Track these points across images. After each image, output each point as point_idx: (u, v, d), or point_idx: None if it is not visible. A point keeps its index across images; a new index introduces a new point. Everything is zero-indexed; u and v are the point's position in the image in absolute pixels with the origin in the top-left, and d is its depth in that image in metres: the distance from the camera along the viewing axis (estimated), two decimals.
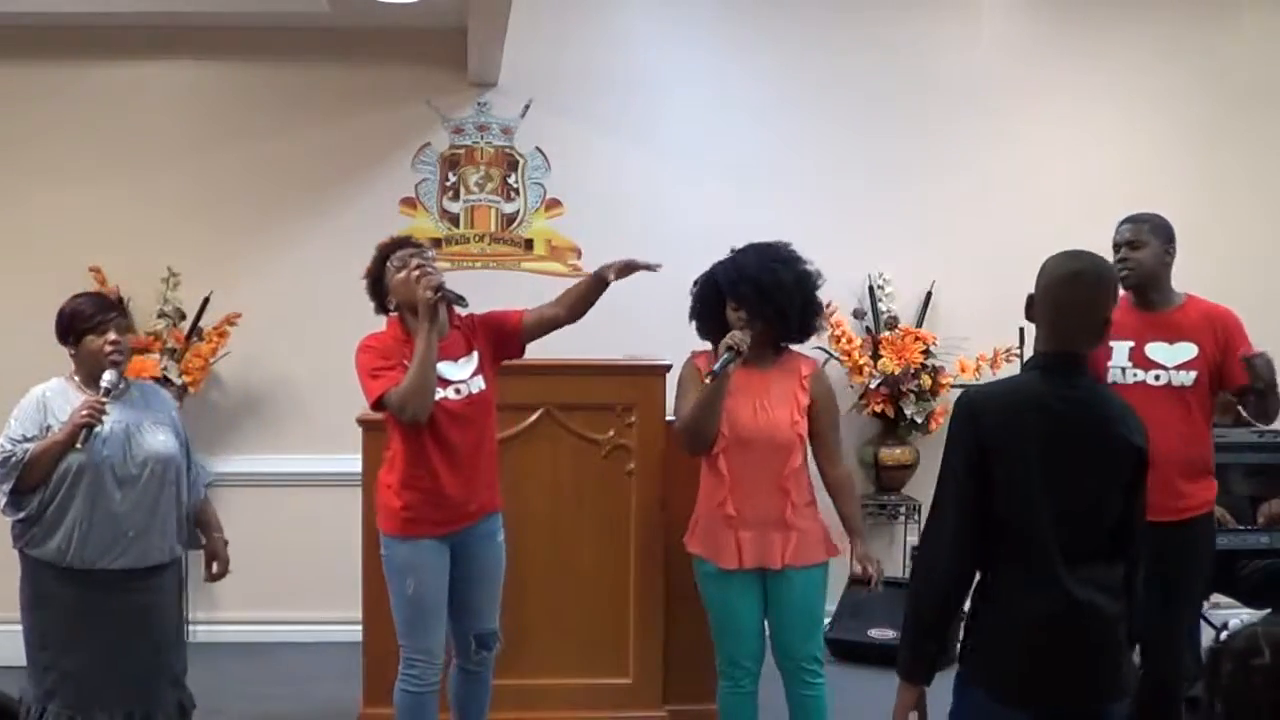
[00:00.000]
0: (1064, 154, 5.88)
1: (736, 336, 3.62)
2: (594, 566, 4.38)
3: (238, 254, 5.61)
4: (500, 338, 3.81)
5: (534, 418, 4.36)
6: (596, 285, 3.80)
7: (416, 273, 3.62)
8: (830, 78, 5.83)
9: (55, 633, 3.52)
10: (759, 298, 3.67)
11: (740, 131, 5.81)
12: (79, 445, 3.42)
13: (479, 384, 3.74)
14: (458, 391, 3.68)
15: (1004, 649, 2.63)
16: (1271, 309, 5.79)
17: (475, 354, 3.76)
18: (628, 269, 3.78)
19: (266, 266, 5.63)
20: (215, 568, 3.79)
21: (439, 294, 3.57)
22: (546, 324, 3.83)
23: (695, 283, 3.87)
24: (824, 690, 3.76)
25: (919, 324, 5.73)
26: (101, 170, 5.57)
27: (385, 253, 3.78)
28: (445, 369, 3.67)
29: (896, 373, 5.55)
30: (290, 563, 5.46)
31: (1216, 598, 4.71)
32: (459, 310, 3.69)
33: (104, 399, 3.46)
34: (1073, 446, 2.62)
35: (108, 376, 3.51)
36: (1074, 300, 2.67)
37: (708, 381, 3.60)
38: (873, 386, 5.58)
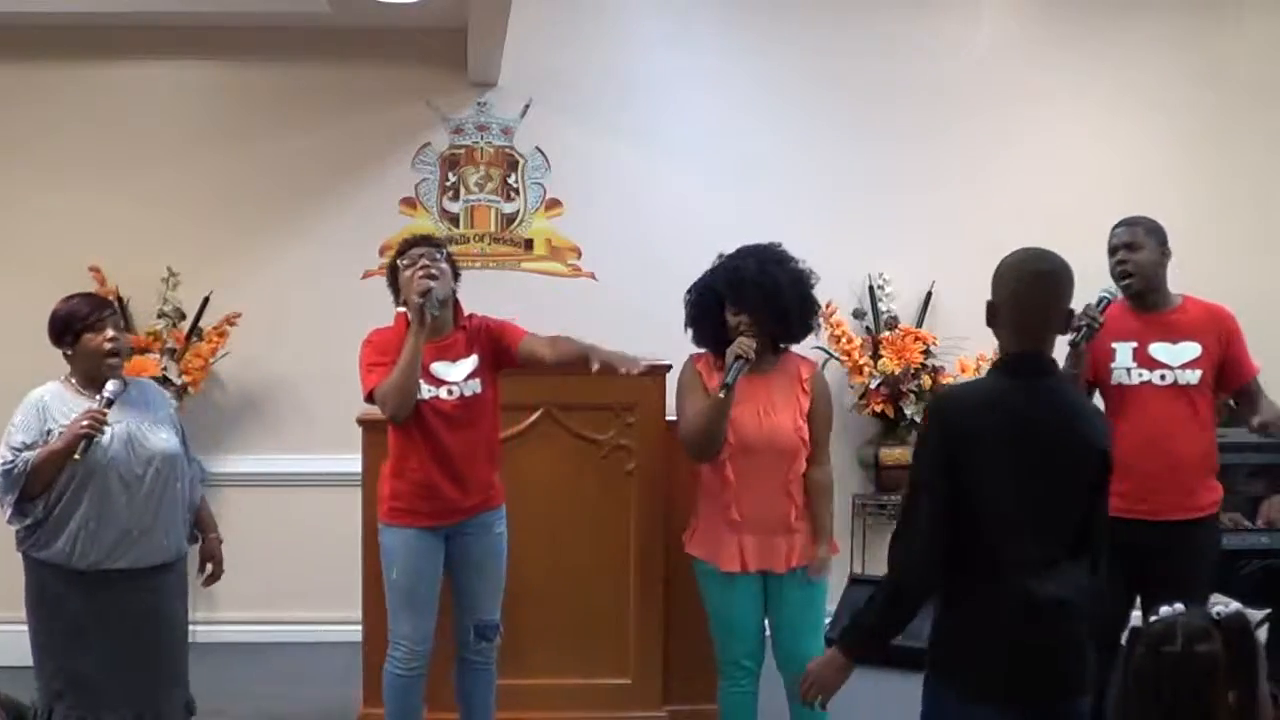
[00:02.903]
0: (1064, 153, 5.87)
1: (744, 344, 3.59)
2: (594, 566, 4.38)
3: (237, 254, 5.61)
4: (499, 348, 3.82)
5: (534, 418, 4.36)
6: (581, 363, 3.71)
7: (421, 272, 3.66)
8: (831, 78, 5.83)
9: (63, 636, 3.51)
10: (762, 301, 3.65)
11: (741, 131, 5.81)
12: (77, 456, 3.40)
13: (474, 386, 3.76)
14: (450, 392, 3.72)
15: (976, 648, 2.65)
16: (1272, 307, 5.80)
17: (475, 356, 3.78)
18: (608, 367, 3.63)
19: (266, 266, 5.63)
20: (210, 568, 3.80)
21: (424, 298, 3.60)
22: (535, 358, 3.79)
23: (689, 291, 3.84)
24: None
25: (919, 324, 5.73)
26: (101, 170, 5.57)
27: (402, 249, 3.82)
28: (440, 368, 3.72)
29: (896, 373, 5.55)
30: (290, 563, 5.46)
31: (1216, 597, 4.71)
32: (430, 315, 3.63)
33: (106, 409, 3.45)
34: (1038, 447, 2.64)
35: (110, 386, 3.49)
36: (1041, 300, 2.68)
37: (722, 395, 3.57)
38: (873, 386, 5.58)
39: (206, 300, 5.40)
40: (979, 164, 5.85)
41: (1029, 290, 2.68)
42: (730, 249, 3.90)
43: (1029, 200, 5.78)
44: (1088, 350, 3.85)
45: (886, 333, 5.69)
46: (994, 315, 2.74)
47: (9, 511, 3.50)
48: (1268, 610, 4.96)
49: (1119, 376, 3.86)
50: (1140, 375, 3.83)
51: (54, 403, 3.54)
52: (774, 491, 3.68)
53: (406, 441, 3.72)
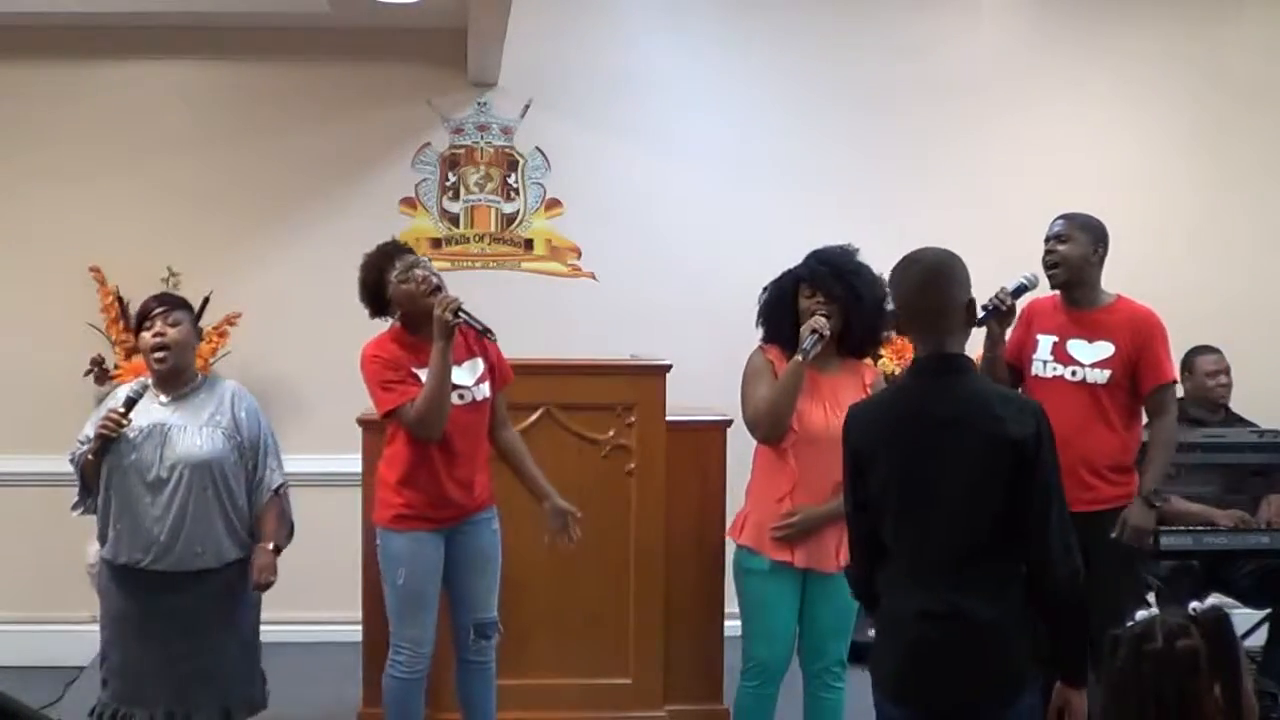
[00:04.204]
0: (1065, 152, 5.86)
1: (820, 321, 3.63)
2: (594, 566, 4.37)
3: (238, 254, 5.61)
4: (490, 367, 3.85)
5: (534, 418, 4.36)
6: (529, 488, 3.94)
7: (423, 286, 3.68)
8: (831, 76, 5.82)
9: (108, 625, 3.60)
10: (835, 278, 3.68)
11: (741, 130, 5.81)
12: (90, 457, 3.49)
13: (484, 391, 3.81)
14: (461, 397, 3.74)
15: (882, 648, 2.74)
16: (1272, 306, 5.81)
17: (479, 360, 3.81)
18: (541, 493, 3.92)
19: (267, 266, 5.63)
20: (256, 576, 3.62)
21: (458, 317, 3.61)
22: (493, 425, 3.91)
23: (765, 289, 3.83)
24: (843, 694, 3.76)
25: None
26: (101, 170, 5.57)
27: (380, 263, 3.81)
28: (453, 373, 3.72)
29: (897, 373, 5.54)
30: (290, 563, 5.42)
31: (1215, 598, 4.70)
32: (488, 339, 3.73)
33: (121, 410, 3.48)
34: (936, 449, 2.63)
35: (131, 387, 3.54)
36: (928, 302, 2.68)
37: (800, 358, 3.59)
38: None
39: (206, 300, 5.37)
40: (979, 163, 5.84)
41: (914, 293, 2.70)
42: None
43: (1029, 198, 5.77)
44: (1003, 334, 3.92)
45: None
46: (897, 324, 2.80)
47: (75, 499, 3.62)
48: (1268, 610, 4.99)
49: (1036, 368, 3.96)
50: (1054, 369, 3.91)
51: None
52: (832, 488, 3.61)
53: (420, 450, 3.71)
